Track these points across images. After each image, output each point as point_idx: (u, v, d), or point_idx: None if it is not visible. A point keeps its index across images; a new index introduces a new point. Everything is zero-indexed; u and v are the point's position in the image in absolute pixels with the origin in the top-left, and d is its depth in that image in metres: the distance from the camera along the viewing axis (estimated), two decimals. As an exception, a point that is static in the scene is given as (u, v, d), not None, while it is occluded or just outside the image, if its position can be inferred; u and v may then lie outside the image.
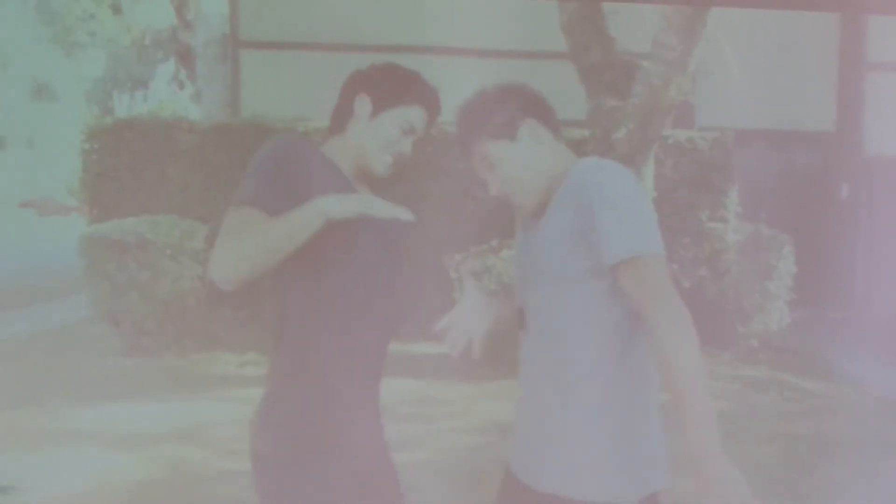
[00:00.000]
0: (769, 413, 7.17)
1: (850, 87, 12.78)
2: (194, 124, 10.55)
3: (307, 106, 10.32)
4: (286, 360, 2.33)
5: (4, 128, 47.67)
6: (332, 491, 2.28)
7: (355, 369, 2.37)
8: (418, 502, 2.51)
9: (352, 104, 2.43)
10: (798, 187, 12.50)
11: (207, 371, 8.30)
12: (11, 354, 9.11)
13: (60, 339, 10.06)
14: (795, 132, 12.61)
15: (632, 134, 7.50)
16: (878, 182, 12.20)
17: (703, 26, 7.24)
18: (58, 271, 15.67)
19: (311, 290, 2.28)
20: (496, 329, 2.53)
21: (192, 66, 18.91)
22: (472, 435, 6.38)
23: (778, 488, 5.19)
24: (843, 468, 5.63)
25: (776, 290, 9.20)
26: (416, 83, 2.45)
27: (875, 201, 12.19)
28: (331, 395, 2.31)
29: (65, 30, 27.19)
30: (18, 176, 50.39)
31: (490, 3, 12.82)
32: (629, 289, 2.10)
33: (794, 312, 9.41)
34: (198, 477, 5.39)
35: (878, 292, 11.52)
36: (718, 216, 9.72)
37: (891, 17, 9.32)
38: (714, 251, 9.43)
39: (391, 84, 2.43)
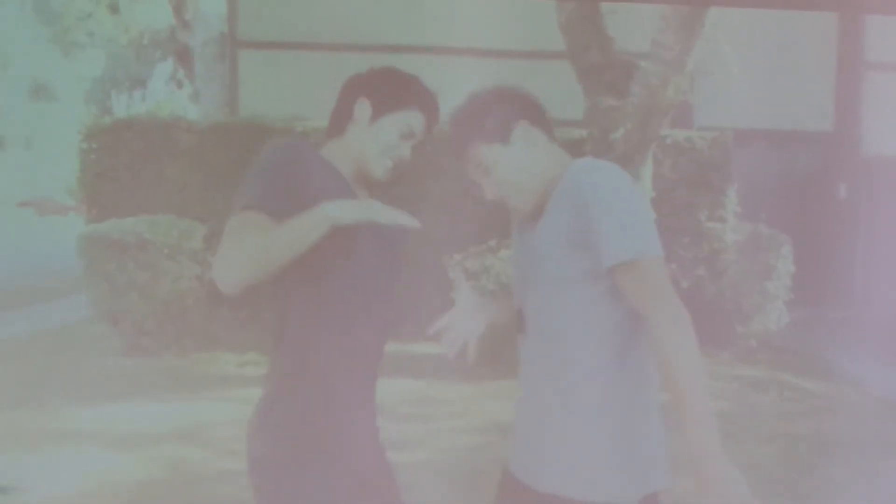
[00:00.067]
0: (768, 413, 7.18)
1: (849, 87, 12.79)
2: (193, 124, 10.55)
3: (305, 105, 10.34)
4: (286, 362, 2.33)
5: (3, 128, 47.68)
6: (331, 492, 2.28)
7: (354, 370, 2.38)
8: (418, 502, 2.51)
9: (351, 108, 2.42)
10: (797, 187, 12.51)
11: (207, 371, 8.30)
12: (11, 354, 9.11)
13: (60, 339, 10.05)
14: (794, 132, 12.62)
15: (630, 134, 7.51)
16: (876, 182, 12.21)
17: (701, 26, 7.25)
18: (57, 271, 15.67)
19: (312, 292, 2.28)
20: (493, 330, 2.53)
21: (190, 66, 18.92)
22: (471, 435, 6.38)
23: (777, 488, 5.19)
24: (843, 468, 5.64)
25: (775, 290, 9.20)
26: (416, 87, 2.45)
27: (874, 201, 12.20)
28: (330, 396, 2.31)
29: (63, 30, 27.19)
30: (17, 176, 50.39)
31: (489, 3, 12.83)
32: (628, 290, 2.10)
33: (793, 312, 9.42)
34: (198, 477, 5.39)
35: (877, 292, 11.52)
36: (717, 216, 9.72)
37: (889, 17, 9.32)
38: (713, 251, 9.43)
39: (391, 88, 2.43)
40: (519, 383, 2.37)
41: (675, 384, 1.99)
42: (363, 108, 2.41)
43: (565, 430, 2.19)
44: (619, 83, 7.78)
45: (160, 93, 32.66)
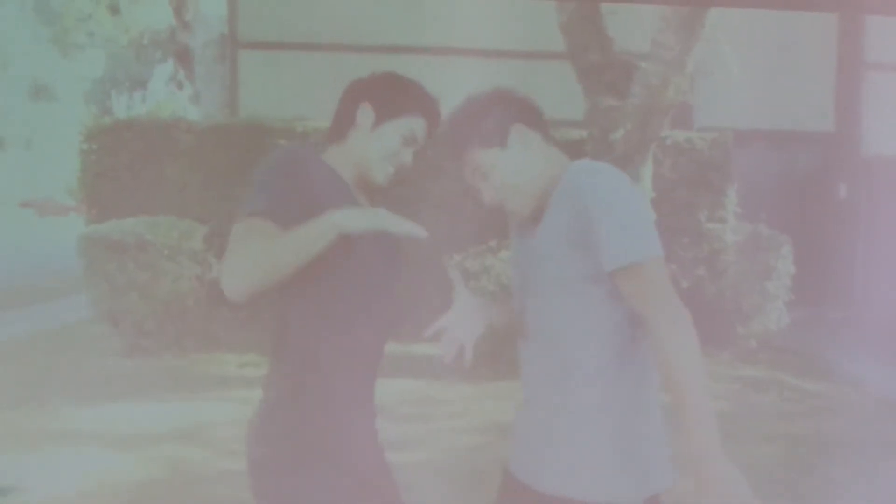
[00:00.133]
0: (768, 413, 7.18)
1: (849, 88, 12.79)
2: (193, 125, 10.55)
3: (305, 106, 10.35)
4: (288, 364, 2.33)
5: (3, 128, 47.66)
6: (332, 494, 2.28)
7: (356, 371, 2.38)
8: (418, 502, 2.51)
9: (353, 113, 2.42)
10: (797, 187, 12.51)
11: (207, 371, 8.30)
12: (11, 354, 9.11)
13: (60, 339, 10.05)
14: (794, 132, 12.61)
15: (630, 134, 7.51)
16: (876, 182, 12.21)
17: (701, 26, 7.26)
18: (57, 271, 15.67)
19: (313, 294, 2.27)
20: (493, 332, 2.53)
21: (190, 67, 18.91)
22: (471, 435, 6.39)
23: (778, 488, 5.19)
24: (843, 468, 5.64)
25: (775, 291, 9.20)
26: (419, 93, 2.44)
27: (874, 201, 12.20)
28: (333, 397, 2.31)
29: (63, 30, 27.20)
30: (17, 176, 50.39)
31: (489, 4, 12.83)
32: (629, 293, 2.10)
33: (794, 312, 9.42)
34: (198, 477, 5.39)
35: (877, 292, 11.52)
36: (717, 216, 9.73)
37: (889, 18, 9.32)
38: (713, 251, 9.44)
39: (394, 94, 2.42)
40: (521, 385, 2.37)
41: (676, 385, 1.99)
42: (366, 113, 2.40)
43: (567, 431, 2.19)
44: (619, 83, 7.79)
45: (160, 93, 32.67)
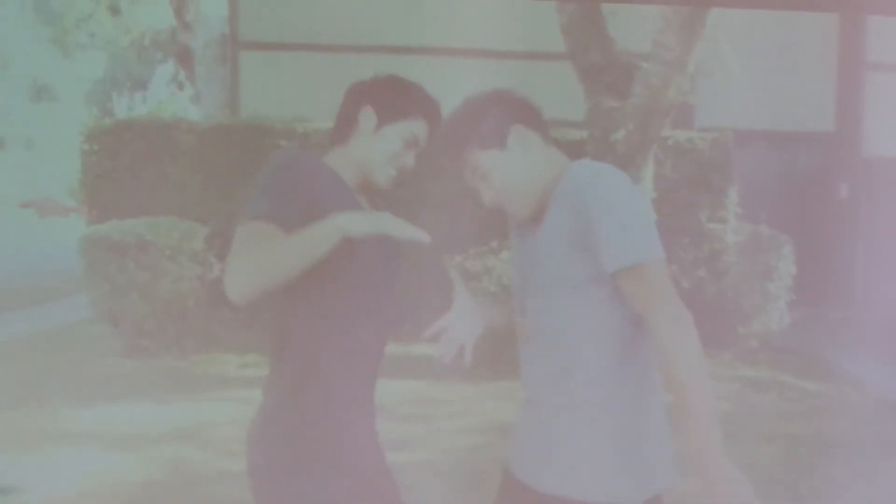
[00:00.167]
0: (769, 413, 7.18)
1: (850, 88, 12.79)
2: (194, 125, 10.56)
3: (306, 107, 10.36)
4: (290, 367, 2.32)
5: (4, 128, 47.68)
6: (334, 495, 2.28)
7: (357, 372, 2.38)
8: (418, 502, 2.51)
9: (355, 116, 2.42)
10: (797, 188, 12.51)
11: (207, 372, 8.30)
12: (11, 354, 9.11)
13: (60, 339, 10.06)
14: (795, 132, 12.61)
15: (631, 134, 7.52)
16: (877, 182, 12.21)
17: (702, 27, 7.27)
18: (57, 272, 15.67)
19: (313, 296, 2.27)
20: (492, 332, 2.53)
21: (191, 68, 18.90)
22: (471, 435, 6.39)
23: (778, 488, 5.19)
24: (843, 468, 5.64)
25: (776, 291, 9.20)
26: (420, 97, 2.44)
27: (874, 201, 12.20)
28: (334, 399, 2.31)
29: (63, 31, 27.20)
30: (18, 176, 50.37)
31: (490, 4, 12.84)
32: (630, 294, 2.10)
33: (794, 313, 9.42)
34: (198, 477, 5.39)
35: (877, 292, 11.52)
36: (718, 217, 9.72)
37: (890, 18, 9.32)
38: (714, 252, 9.44)
39: (396, 98, 2.42)
40: (522, 385, 2.36)
41: (678, 385, 1.99)
42: (367, 116, 2.40)
43: (568, 431, 2.19)
44: (620, 84, 7.79)
45: (161, 94, 32.65)
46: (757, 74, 11.58)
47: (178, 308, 8.84)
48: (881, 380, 8.15)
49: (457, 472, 5.39)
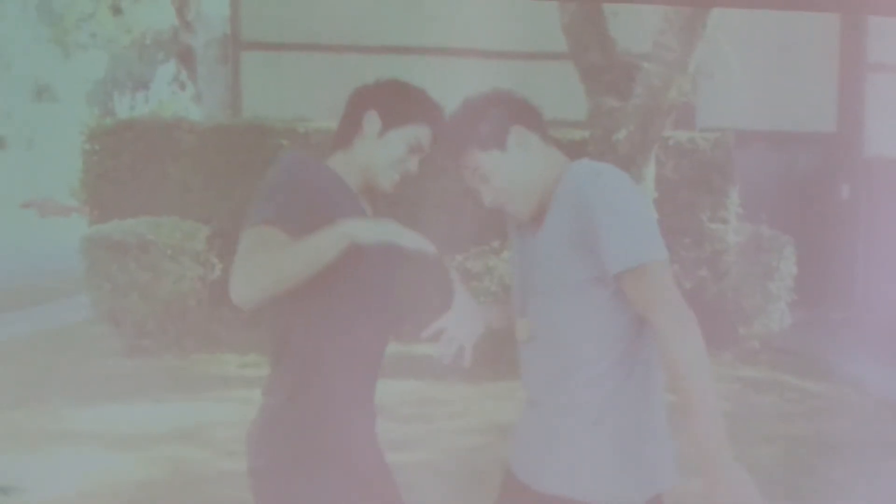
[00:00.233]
0: (770, 414, 7.17)
1: (851, 88, 12.77)
2: (195, 125, 10.57)
3: (308, 107, 10.36)
4: (289, 368, 2.33)
5: (5, 128, 47.66)
6: (336, 497, 2.28)
7: (357, 373, 2.39)
8: (418, 502, 2.51)
9: (359, 120, 2.42)
10: (799, 188, 12.50)
11: (208, 372, 8.30)
12: (11, 354, 9.12)
13: (61, 339, 10.06)
14: (796, 133, 12.60)
15: (632, 135, 7.51)
16: (878, 183, 12.20)
17: (703, 27, 7.26)
18: (58, 272, 15.67)
19: (314, 297, 2.26)
20: (492, 333, 2.53)
21: (192, 67, 18.92)
22: (472, 435, 6.39)
23: (778, 489, 5.19)
24: (844, 469, 5.63)
25: (777, 291, 9.19)
26: (424, 102, 2.45)
27: (876, 202, 12.18)
28: (334, 400, 2.31)
29: (63, 31, 27.19)
30: (19, 176, 50.39)
31: (490, 4, 12.83)
32: (634, 295, 2.10)
33: (795, 313, 9.41)
34: (198, 477, 5.39)
35: (878, 293, 11.51)
36: (719, 217, 9.72)
37: (891, 18, 9.32)
38: (715, 252, 9.43)
39: (401, 102, 2.43)
40: (522, 386, 2.36)
41: (683, 386, 1.99)
42: (372, 120, 2.40)
43: (571, 432, 2.19)
44: (621, 84, 7.78)
45: (163, 94, 32.68)
46: (758, 75, 11.57)
47: (178, 308, 8.84)
48: (881, 380, 8.14)
49: (457, 472, 5.40)
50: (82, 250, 8.76)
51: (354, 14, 12.41)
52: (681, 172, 9.74)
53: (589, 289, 2.15)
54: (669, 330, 2.02)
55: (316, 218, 2.18)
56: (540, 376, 2.28)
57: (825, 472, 5.61)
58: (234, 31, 13.35)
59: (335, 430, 2.31)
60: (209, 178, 9.77)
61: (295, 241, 2.14)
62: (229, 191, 9.43)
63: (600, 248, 2.08)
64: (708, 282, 9.24)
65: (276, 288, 2.13)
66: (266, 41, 12.94)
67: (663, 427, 2.24)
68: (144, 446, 5.92)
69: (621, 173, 2.20)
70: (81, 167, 10.46)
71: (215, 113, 15.41)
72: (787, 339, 9.50)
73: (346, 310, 2.32)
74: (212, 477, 5.35)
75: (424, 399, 7.27)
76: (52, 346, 9.64)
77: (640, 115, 7.47)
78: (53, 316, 11.75)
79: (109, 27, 25.57)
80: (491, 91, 2.37)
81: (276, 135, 9.67)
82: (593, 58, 7.90)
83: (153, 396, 7.21)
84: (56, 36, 28.55)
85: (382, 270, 2.40)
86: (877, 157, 12.38)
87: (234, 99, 13.14)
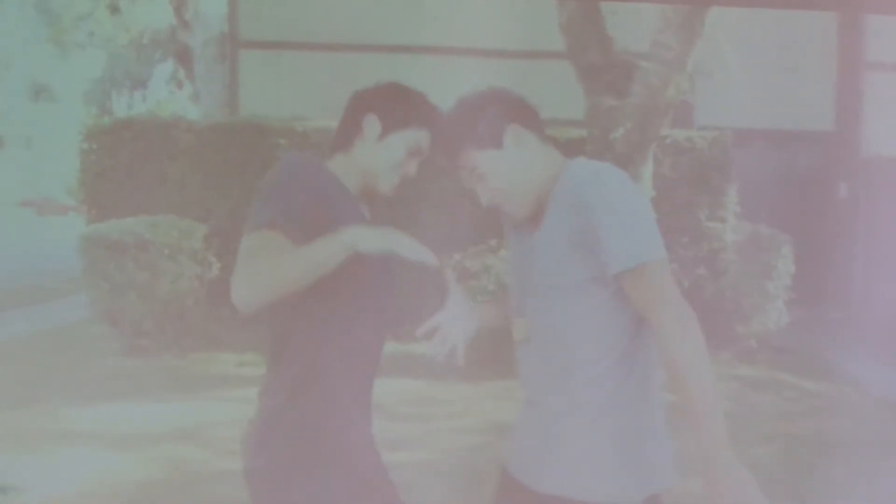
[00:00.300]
0: (768, 413, 7.17)
1: (849, 87, 12.78)
2: (193, 124, 10.57)
3: (305, 105, 10.35)
4: (288, 369, 2.33)
5: (3, 128, 47.67)
6: (335, 498, 2.28)
7: (357, 374, 2.39)
8: (417, 502, 2.51)
9: (359, 123, 2.42)
10: (797, 187, 12.50)
11: (206, 371, 8.29)
12: (11, 354, 9.10)
13: (60, 339, 10.05)
14: (794, 132, 12.61)
15: (630, 133, 7.51)
16: (876, 182, 12.20)
17: (701, 26, 7.26)
18: (57, 271, 15.66)
19: (313, 298, 2.26)
20: (490, 332, 2.52)
21: (190, 66, 18.92)
22: (471, 435, 6.39)
23: (777, 488, 5.19)
24: (842, 468, 5.64)
25: (775, 290, 9.20)
26: (424, 105, 2.45)
27: (874, 201, 12.18)
28: (333, 401, 2.31)
29: (61, 30, 27.16)
30: (17, 176, 50.37)
31: (489, 3, 12.82)
32: (634, 295, 2.10)
33: (793, 312, 9.41)
34: (197, 477, 5.39)
35: (876, 292, 11.51)
36: (717, 216, 9.72)
37: (889, 17, 9.32)
38: (713, 251, 9.43)
39: (401, 106, 2.43)
40: (520, 386, 2.36)
41: (684, 385, 1.98)
42: (372, 124, 2.40)
43: (569, 432, 2.19)
44: (619, 83, 7.78)
45: (160, 93, 32.64)
46: (756, 73, 11.59)
47: (176, 307, 8.84)
48: (879, 379, 8.15)
49: (456, 471, 5.40)
50: (80, 249, 8.75)
51: (352, 13, 12.40)
52: (679, 171, 9.74)
53: (588, 288, 2.15)
54: (670, 329, 2.02)
55: (317, 221, 2.18)
56: (538, 376, 2.27)
57: (824, 471, 5.61)
58: (231, 29, 13.36)
59: (335, 430, 2.31)
60: (207, 177, 9.76)
61: (297, 248, 2.14)
62: (227, 190, 9.43)
63: (600, 248, 2.08)
64: (706, 280, 9.24)
65: (278, 293, 2.13)
66: (264, 40, 12.94)
67: (662, 427, 2.24)
68: (144, 446, 5.92)
69: (620, 172, 2.19)
70: (79, 166, 10.46)
71: (213, 112, 15.41)
72: (785, 337, 9.50)
73: (345, 311, 2.32)
74: (211, 476, 5.34)
75: (423, 398, 7.27)
76: (51, 345, 9.63)
77: (639, 113, 7.47)
78: (52, 315, 11.74)
79: (107, 26, 25.55)
80: (486, 89, 2.36)
81: (273, 134, 9.67)
82: (591, 56, 7.90)
83: (152, 396, 7.21)
84: (54, 35, 28.52)
85: (381, 272, 2.40)
86: (875, 155, 12.38)
87: (232, 98, 13.14)
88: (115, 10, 24.24)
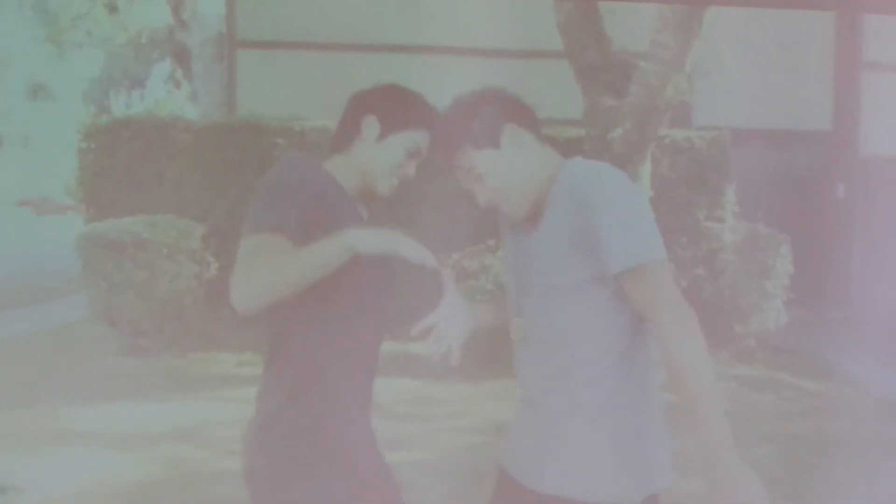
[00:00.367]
0: (766, 413, 7.18)
1: (847, 87, 12.79)
2: (191, 123, 10.57)
3: (303, 105, 10.35)
4: (287, 370, 2.33)
5: (1, 127, 47.58)
6: (335, 498, 2.29)
7: (356, 373, 2.39)
8: (417, 502, 2.51)
9: (358, 124, 2.42)
10: (795, 187, 12.51)
11: (205, 371, 8.29)
12: (11, 354, 9.09)
13: (60, 339, 10.04)
14: (792, 131, 12.62)
15: (629, 133, 7.51)
16: (874, 181, 12.20)
17: (699, 26, 7.26)
18: (55, 271, 15.64)
19: (312, 298, 2.26)
20: (488, 333, 2.52)
21: (188, 66, 18.89)
22: (470, 435, 6.39)
23: (776, 488, 5.19)
24: (842, 468, 5.64)
25: (773, 290, 9.20)
26: (423, 107, 2.45)
27: (871, 201, 12.19)
28: (332, 401, 2.31)
29: (59, 29, 27.14)
30: (15, 175, 50.36)
31: (486, 3, 12.83)
32: (634, 295, 2.09)
33: (791, 312, 9.41)
34: (197, 477, 5.39)
35: (874, 292, 11.52)
36: (715, 215, 9.73)
37: (887, 17, 9.33)
38: (711, 250, 9.44)
39: (400, 107, 2.43)
40: (518, 386, 2.36)
41: (685, 385, 1.98)
42: (371, 125, 2.40)
43: (569, 432, 2.18)
44: (617, 83, 7.78)
45: (158, 92, 32.60)
46: (754, 73, 11.59)
47: (175, 307, 8.84)
48: (878, 379, 8.16)
49: (455, 471, 5.39)
50: (78, 249, 8.76)
51: (350, 12, 12.40)
52: (677, 171, 9.74)
53: (588, 288, 2.14)
54: (670, 329, 2.02)
55: (316, 223, 2.18)
56: (537, 376, 2.27)
57: (823, 471, 5.62)
58: (229, 29, 13.36)
59: (334, 430, 2.31)
60: (205, 177, 9.76)
61: (297, 249, 2.15)
62: (225, 189, 9.42)
63: (600, 248, 2.08)
64: (704, 280, 9.24)
65: (278, 294, 2.14)
66: (261, 39, 12.94)
67: (661, 426, 2.24)
68: (143, 446, 5.92)
69: (619, 172, 2.19)
70: (77, 165, 10.47)
71: (211, 111, 15.40)
72: (784, 337, 9.51)
73: (344, 311, 2.32)
74: (211, 476, 5.34)
75: (422, 398, 7.27)
76: (50, 345, 9.63)
77: (637, 113, 7.47)
78: (51, 315, 11.73)
79: (105, 26, 25.53)
80: (482, 89, 2.35)
81: (271, 133, 9.67)
82: (589, 56, 7.89)
83: (151, 396, 7.21)
84: (51, 34, 28.48)
85: (380, 272, 2.39)
86: (873, 155, 12.39)
87: (230, 97, 13.14)
88: (112, 9, 24.23)
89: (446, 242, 8.13)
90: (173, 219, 9.33)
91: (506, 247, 2.44)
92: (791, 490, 5.24)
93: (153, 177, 10.00)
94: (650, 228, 2.11)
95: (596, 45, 7.89)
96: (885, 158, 12.02)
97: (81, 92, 38.11)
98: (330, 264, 2.12)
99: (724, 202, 9.79)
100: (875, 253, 11.80)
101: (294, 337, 2.32)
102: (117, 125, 10.43)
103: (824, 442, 6.32)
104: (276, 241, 2.16)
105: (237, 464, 2.40)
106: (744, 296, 9.20)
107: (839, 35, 12.73)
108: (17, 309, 12.21)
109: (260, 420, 2.35)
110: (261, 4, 12.89)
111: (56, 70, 40.53)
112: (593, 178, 2.15)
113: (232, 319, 8.79)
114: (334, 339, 2.31)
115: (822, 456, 5.95)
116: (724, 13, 8.75)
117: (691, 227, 9.51)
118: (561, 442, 2.19)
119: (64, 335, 10.26)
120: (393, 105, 2.43)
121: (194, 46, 17.29)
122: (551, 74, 9.95)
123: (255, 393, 2.40)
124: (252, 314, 2.14)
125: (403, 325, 2.60)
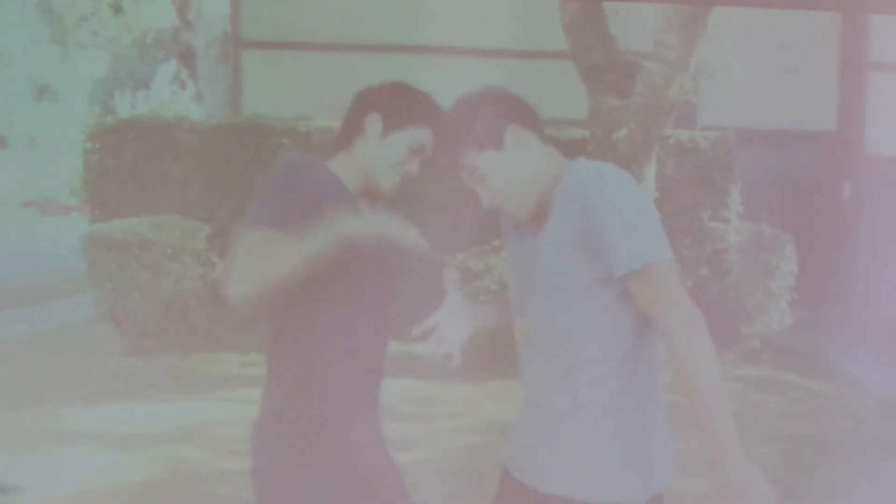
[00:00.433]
0: (771, 413, 7.16)
1: (852, 87, 12.77)
2: (196, 124, 10.56)
3: (308, 105, 10.35)
4: (289, 370, 2.33)
5: (6, 128, 47.75)
6: (338, 497, 2.28)
7: (358, 373, 2.38)
8: (418, 502, 2.50)
9: (361, 122, 2.41)
10: (800, 187, 12.49)
11: (209, 371, 8.30)
12: (12, 354, 9.10)
13: (61, 339, 10.05)
14: (797, 132, 12.60)
15: (633, 134, 7.50)
16: (879, 182, 12.19)
17: (704, 26, 7.25)
18: (59, 271, 15.67)
19: (314, 297, 2.26)
20: (489, 333, 2.51)
21: (193, 66, 18.92)
22: (472, 435, 6.38)
23: (779, 488, 5.16)
24: (845, 468, 5.63)
25: (778, 290, 9.19)
26: (426, 104, 2.44)
27: (876, 201, 12.17)
28: (334, 400, 2.31)
29: (63, 30, 27.19)
30: (20, 176, 50.45)
31: (490, 3, 12.83)
32: (640, 296, 2.09)
33: (796, 312, 9.40)
34: (198, 477, 5.39)
35: (879, 292, 11.50)
36: (720, 216, 9.71)
37: (892, 17, 9.31)
38: (716, 251, 9.43)
39: (403, 105, 2.42)
40: (522, 387, 2.35)
41: (691, 386, 1.98)
42: (374, 122, 2.40)
43: (573, 432, 2.18)
44: (622, 83, 7.77)
45: (163, 93, 32.71)
46: (759, 73, 11.58)
47: (179, 307, 8.84)
48: (882, 380, 8.14)
49: (457, 471, 5.39)
50: (83, 249, 8.76)
51: (354, 13, 12.41)
52: (682, 171, 9.73)
53: (593, 289, 2.13)
54: (677, 330, 2.01)
55: (314, 220, 2.17)
56: (541, 376, 2.26)
57: (827, 471, 5.61)
58: (234, 30, 13.37)
59: (333, 430, 2.31)
60: (210, 177, 9.76)
61: (291, 242, 2.14)
62: (230, 190, 9.41)
63: (605, 250, 2.07)
64: (709, 281, 9.23)
65: (272, 287, 2.13)
66: (266, 40, 12.94)
67: (664, 426, 2.23)
68: (145, 446, 5.92)
69: (623, 173, 2.18)
70: (82, 166, 10.48)
71: (216, 112, 15.42)
72: (789, 337, 9.49)
73: (345, 311, 2.32)
74: (212, 476, 5.35)
75: (424, 398, 7.26)
76: (52, 345, 9.64)
77: (641, 113, 7.46)
78: (54, 315, 11.74)
79: (110, 26, 25.57)
80: (484, 89, 2.35)
81: (276, 134, 9.67)
82: (594, 57, 7.89)
83: (154, 396, 7.21)
84: (56, 35, 28.55)
85: (379, 269, 2.39)
86: (878, 155, 12.38)
87: (235, 98, 13.15)
88: (118, 10, 24.26)
89: (451, 243, 8.12)
90: (178, 219, 9.33)
91: (508, 247, 2.43)
92: (794, 490, 5.22)
93: (158, 177, 10.00)
94: (655, 228, 2.10)
95: (600, 46, 7.89)
96: (889, 158, 12.00)
97: (86, 92, 38.28)
98: (319, 250, 2.11)
99: (728, 202, 9.78)
100: (880, 253, 11.78)
101: (294, 337, 2.32)
102: (122, 126, 10.43)
103: (828, 442, 6.31)
104: (268, 235, 2.15)
105: (237, 464, 2.41)
106: (748, 296, 9.19)
107: (844, 35, 12.72)
108: (19, 309, 12.22)
109: (263, 418, 2.36)
110: (266, 5, 12.90)
111: (61, 71, 40.68)
112: (597, 178, 2.14)
113: (236, 320, 8.80)
114: (334, 338, 2.31)
115: (825, 456, 5.94)
116: (728, 13, 8.73)
117: (696, 227, 9.50)
118: (564, 442, 2.18)
119: (66, 335, 10.27)
120: (396, 103, 2.42)
121: (199, 47, 17.31)
122: (553, 75, 9.95)
123: (258, 393, 2.40)
124: (246, 305, 2.13)
125: (405, 325, 2.59)
